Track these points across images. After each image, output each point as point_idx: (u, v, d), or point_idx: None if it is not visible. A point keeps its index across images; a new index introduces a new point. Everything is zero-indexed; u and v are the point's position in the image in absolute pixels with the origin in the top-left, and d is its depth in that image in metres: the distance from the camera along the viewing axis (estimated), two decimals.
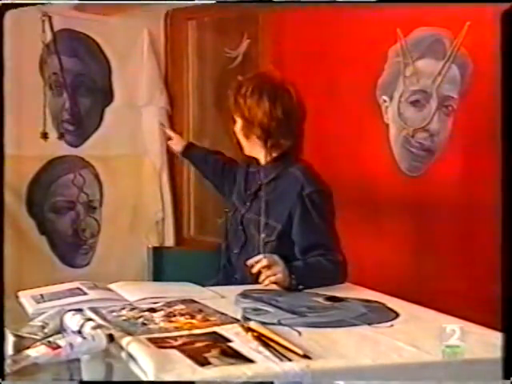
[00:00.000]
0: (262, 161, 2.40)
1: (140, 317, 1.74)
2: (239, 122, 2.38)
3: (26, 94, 3.35)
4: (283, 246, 2.27)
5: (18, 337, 1.55)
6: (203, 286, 2.21)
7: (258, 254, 2.21)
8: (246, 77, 2.45)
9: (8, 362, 1.40)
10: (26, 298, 1.98)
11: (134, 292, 2.03)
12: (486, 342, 1.54)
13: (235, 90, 2.37)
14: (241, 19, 3.67)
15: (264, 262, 2.09)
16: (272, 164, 2.37)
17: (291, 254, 2.25)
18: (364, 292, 2.10)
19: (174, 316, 1.75)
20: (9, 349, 1.50)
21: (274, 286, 2.09)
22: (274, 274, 2.08)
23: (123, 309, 1.83)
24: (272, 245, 2.28)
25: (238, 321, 1.68)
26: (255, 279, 2.13)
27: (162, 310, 1.81)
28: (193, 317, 1.74)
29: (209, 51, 3.91)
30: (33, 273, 3.28)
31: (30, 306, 1.90)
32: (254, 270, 2.10)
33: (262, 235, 2.29)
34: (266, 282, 2.08)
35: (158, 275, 2.73)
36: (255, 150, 2.40)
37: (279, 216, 2.29)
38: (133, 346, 1.45)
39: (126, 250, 3.74)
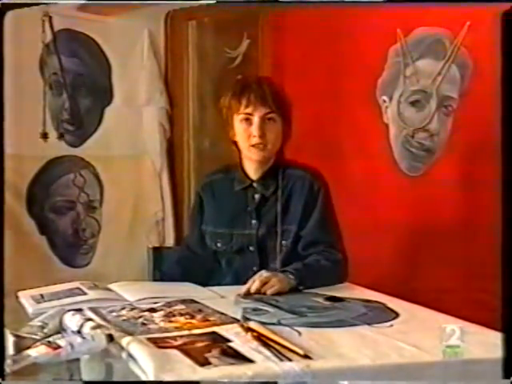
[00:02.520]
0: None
1: (140, 317, 1.74)
2: (279, 122, 2.29)
3: (26, 94, 3.35)
4: (297, 246, 2.29)
5: (18, 337, 1.55)
6: (203, 286, 2.21)
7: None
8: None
9: (8, 361, 1.41)
10: (25, 298, 1.98)
11: (134, 292, 2.03)
12: (486, 342, 1.54)
13: (271, 86, 2.30)
14: (241, 19, 3.67)
15: (257, 285, 2.03)
16: (270, 168, 2.35)
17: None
18: (364, 292, 2.10)
19: (174, 316, 1.75)
20: (9, 349, 1.50)
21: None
22: (273, 286, 2.04)
23: (123, 309, 1.83)
24: (287, 248, 2.29)
25: (237, 321, 1.68)
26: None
27: (161, 309, 1.81)
28: (193, 317, 1.74)
29: (209, 51, 3.90)
30: (33, 273, 3.28)
31: (29, 306, 1.90)
32: (252, 291, 2.02)
33: (283, 242, 2.29)
34: (269, 293, 2.04)
35: (158, 275, 2.72)
36: (275, 148, 2.33)
37: (294, 217, 2.29)
38: (133, 345, 1.45)
39: (126, 250, 3.74)
